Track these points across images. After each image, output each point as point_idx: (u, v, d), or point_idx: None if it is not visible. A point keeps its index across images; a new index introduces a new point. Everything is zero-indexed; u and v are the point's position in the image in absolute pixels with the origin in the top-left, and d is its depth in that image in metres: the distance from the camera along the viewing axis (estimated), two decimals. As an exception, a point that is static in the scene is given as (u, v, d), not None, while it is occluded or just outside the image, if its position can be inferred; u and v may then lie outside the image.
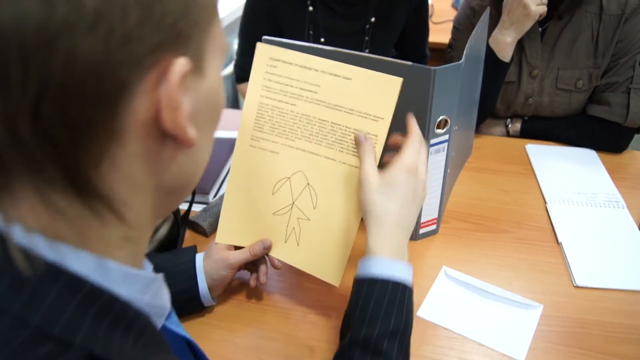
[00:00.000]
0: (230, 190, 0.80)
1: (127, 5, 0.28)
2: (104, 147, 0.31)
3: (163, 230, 0.90)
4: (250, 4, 1.39)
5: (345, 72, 0.73)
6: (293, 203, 0.78)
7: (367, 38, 1.38)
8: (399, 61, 0.77)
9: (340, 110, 0.74)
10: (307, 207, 0.77)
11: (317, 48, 0.77)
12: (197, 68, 0.35)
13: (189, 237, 0.99)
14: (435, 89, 0.81)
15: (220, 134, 1.28)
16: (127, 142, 0.32)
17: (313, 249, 0.78)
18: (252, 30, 1.40)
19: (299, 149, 0.77)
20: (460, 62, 0.82)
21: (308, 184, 0.77)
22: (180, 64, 0.32)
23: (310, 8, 1.33)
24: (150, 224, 0.39)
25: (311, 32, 1.36)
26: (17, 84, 0.26)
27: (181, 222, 0.93)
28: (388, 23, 1.38)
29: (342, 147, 0.74)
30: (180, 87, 0.32)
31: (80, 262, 0.32)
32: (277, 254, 0.80)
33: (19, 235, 0.31)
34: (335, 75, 0.74)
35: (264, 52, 0.77)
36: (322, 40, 1.36)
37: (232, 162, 0.80)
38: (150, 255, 0.83)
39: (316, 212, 0.77)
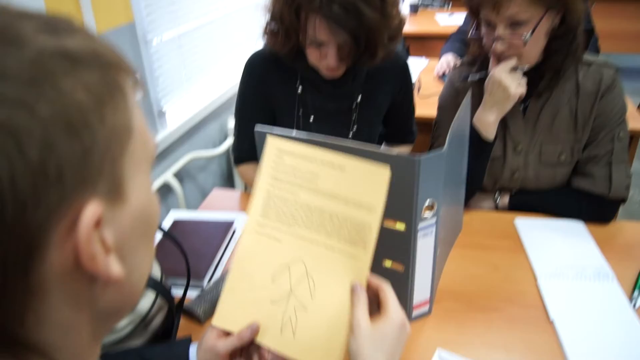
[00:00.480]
0: (233, 274, 0.81)
1: (14, 174, 0.27)
2: (25, 304, 0.30)
3: (158, 320, 0.91)
4: (244, 87, 1.44)
5: (339, 162, 0.77)
6: (290, 292, 0.78)
7: (354, 117, 1.43)
8: (385, 151, 0.81)
9: (337, 201, 0.77)
10: (304, 297, 0.78)
11: (316, 139, 0.81)
12: (116, 196, 0.33)
13: (184, 324, 0.99)
14: (420, 176, 0.84)
15: (214, 215, 1.29)
16: (49, 294, 0.31)
17: (309, 340, 0.77)
18: (246, 112, 1.45)
19: (300, 237, 0.78)
20: (443, 150, 0.85)
21: (307, 272, 0.78)
22: (90, 211, 0.30)
23: (300, 89, 1.39)
24: (92, 349, 0.38)
25: (301, 113, 1.41)
26: None
27: (176, 310, 0.94)
28: (374, 102, 1.44)
29: (339, 237, 0.76)
30: (94, 231, 0.31)
31: None
32: (272, 343, 0.80)
33: None
34: (331, 165, 0.77)
35: (273, 144, 0.81)
36: (312, 119, 1.42)
37: (239, 247, 0.81)
38: (142, 349, 0.83)
39: (313, 302, 0.77)
